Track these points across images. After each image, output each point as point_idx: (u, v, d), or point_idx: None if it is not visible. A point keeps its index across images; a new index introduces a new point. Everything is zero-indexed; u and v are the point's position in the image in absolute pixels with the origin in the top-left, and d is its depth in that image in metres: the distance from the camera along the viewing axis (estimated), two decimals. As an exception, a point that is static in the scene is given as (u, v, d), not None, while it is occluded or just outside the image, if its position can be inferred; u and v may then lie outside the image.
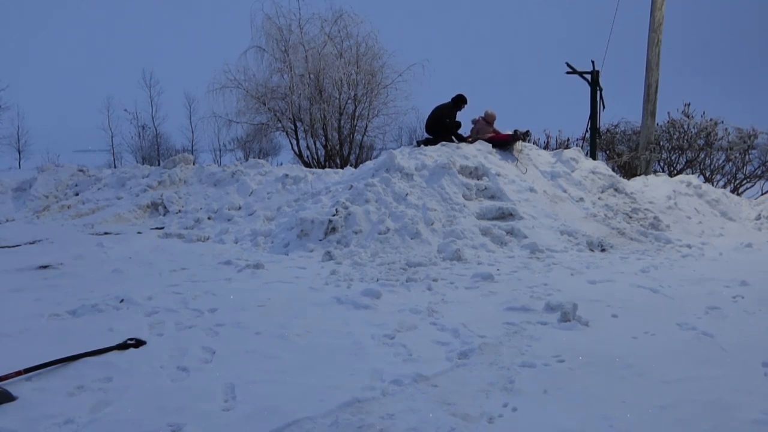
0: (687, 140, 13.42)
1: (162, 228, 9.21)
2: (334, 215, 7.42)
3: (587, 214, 8.28)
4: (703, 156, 13.36)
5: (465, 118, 10.47)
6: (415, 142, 11.45)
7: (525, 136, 9.77)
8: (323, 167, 15.73)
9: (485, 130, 10.03)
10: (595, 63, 13.46)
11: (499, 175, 8.66)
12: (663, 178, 10.45)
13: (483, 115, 10.18)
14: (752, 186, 13.24)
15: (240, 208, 9.64)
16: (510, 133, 9.75)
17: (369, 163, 9.78)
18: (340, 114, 17.09)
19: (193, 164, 11.97)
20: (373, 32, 16.90)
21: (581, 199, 8.66)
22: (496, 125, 10.20)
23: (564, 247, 7.02)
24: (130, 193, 10.88)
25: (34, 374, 3.13)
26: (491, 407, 2.78)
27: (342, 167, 14.06)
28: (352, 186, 8.30)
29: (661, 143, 13.73)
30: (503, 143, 9.62)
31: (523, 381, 3.07)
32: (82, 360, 3.34)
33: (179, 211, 10.11)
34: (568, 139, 16.11)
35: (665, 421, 2.62)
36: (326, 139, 17.19)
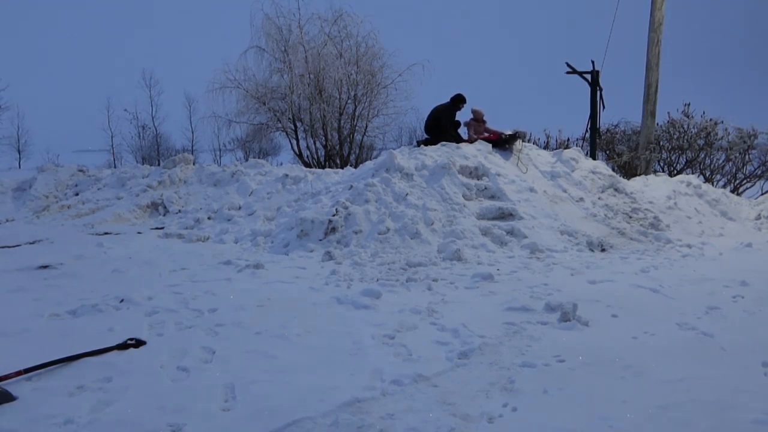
0: (687, 140, 13.41)
1: (162, 228, 9.21)
2: (334, 215, 7.42)
3: (587, 214, 8.28)
4: (703, 156, 13.36)
5: (462, 119, 10.49)
6: (415, 142, 11.45)
7: (516, 137, 9.68)
8: (323, 167, 15.73)
9: (480, 129, 10.08)
10: (595, 63, 13.48)
11: (499, 175, 8.66)
12: (663, 178, 10.45)
13: (472, 116, 10.27)
14: (752, 186, 13.24)
15: (240, 208, 9.64)
16: (510, 132, 9.74)
17: (369, 163, 9.78)
18: (340, 114, 17.09)
19: (193, 164, 11.97)
20: (373, 32, 16.94)
21: (581, 199, 8.66)
22: (489, 122, 10.24)
23: (564, 247, 7.02)
24: (130, 193, 10.88)
25: (34, 374, 3.13)
26: (491, 407, 2.78)
27: (342, 167, 14.06)
28: (352, 186, 8.30)
29: (661, 143, 13.73)
30: (498, 143, 9.63)
31: (523, 381, 3.07)
32: (82, 360, 3.34)
33: (179, 211, 10.11)
34: (568, 139, 16.12)
35: (665, 421, 2.62)
36: (326, 139, 17.19)
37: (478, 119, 10.19)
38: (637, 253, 6.91)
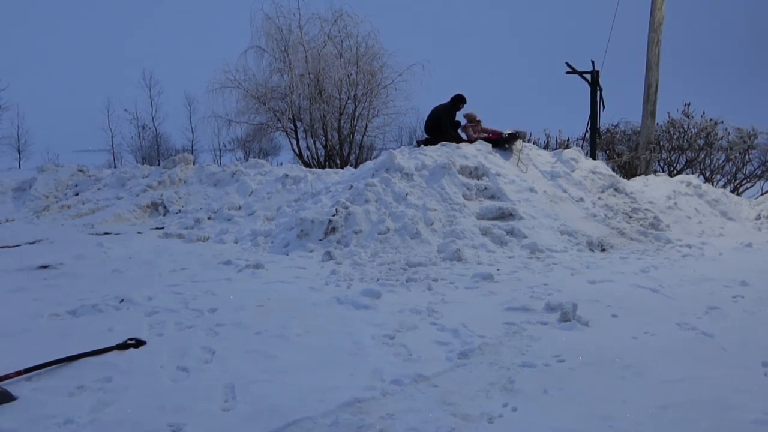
0: (687, 140, 13.42)
1: (162, 228, 9.21)
2: (334, 215, 7.42)
3: (587, 214, 8.28)
4: (703, 156, 13.36)
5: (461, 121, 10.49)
6: (415, 142, 11.45)
7: (516, 137, 9.72)
8: (323, 167, 15.74)
9: (477, 129, 10.11)
10: (595, 63, 13.49)
11: (499, 175, 8.66)
12: (663, 178, 10.45)
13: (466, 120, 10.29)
14: (752, 186, 13.24)
15: (240, 208, 9.64)
16: (510, 132, 9.76)
17: (369, 163, 9.78)
18: (340, 114, 17.10)
19: (193, 164, 11.97)
20: (373, 32, 16.95)
21: (581, 199, 8.66)
22: (487, 122, 10.29)
23: (564, 247, 7.02)
24: (130, 193, 10.88)
25: (34, 374, 3.13)
26: (491, 407, 2.78)
27: (342, 167, 14.07)
28: (352, 186, 8.30)
29: (661, 143, 13.73)
30: (498, 143, 9.64)
31: (523, 381, 3.07)
32: (82, 360, 3.34)
33: (179, 211, 10.11)
34: (568, 139, 16.12)
35: (665, 421, 2.62)
36: (326, 139, 17.20)
37: (471, 120, 10.22)
38: (637, 253, 6.91)
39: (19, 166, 36.95)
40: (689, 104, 13.90)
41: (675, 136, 13.68)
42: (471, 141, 9.84)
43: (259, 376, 3.15)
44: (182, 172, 11.32)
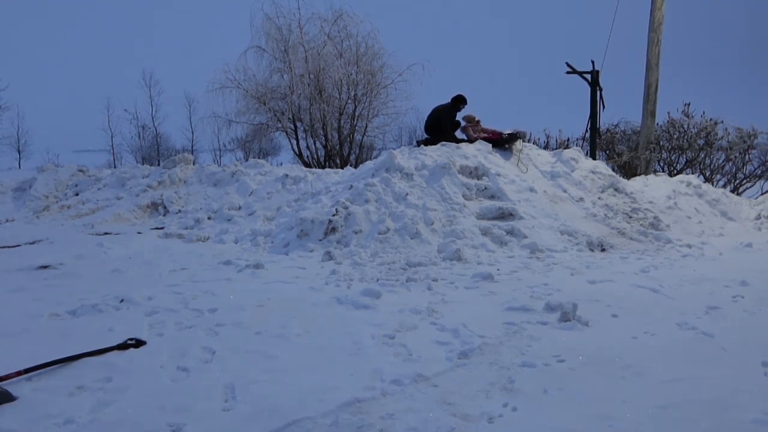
0: (687, 140, 13.42)
1: (162, 228, 9.21)
2: (334, 215, 7.42)
3: (587, 214, 8.28)
4: (703, 156, 13.37)
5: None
6: (415, 142, 11.45)
7: (516, 137, 9.73)
8: (323, 167, 15.73)
9: (477, 129, 10.12)
10: (595, 63, 13.48)
11: (499, 175, 8.66)
12: (663, 178, 10.45)
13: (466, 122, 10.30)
14: (752, 186, 13.24)
15: (240, 208, 9.64)
16: (510, 132, 9.77)
17: (369, 163, 9.78)
18: (340, 114, 17.09)
19: (193, 164, 11.97)
20: (373, 32, 16.93)
21: (581, 199, 8.66)
22: (487, 122, 10.30)
23: (564, 247, 7.02)
24: (130, 193, 10.88)
25: (34, 374, 3.13)
26: (491, 407, 2.78)
27: (342, 167, 14.06)
28: (352, 186, 8.30)
29: (661, 143, 13.73)
30: (497, 142, 9.65)
31: (523, 381, 3.07)
32: (82, 360, 3.34)
33: (179, 211, 10.11)
34: (568, 139, 16.11)
35: (665, 421, 2.62)
36: (326, 139, 17.19)
37: (470, 121, 10.23)
38: (637, 253, 6.90)
39: (19, 166, 36.97)
40: (689, 104, 13.92)
41: (675, 136, 13.68)
42: (471, 141, 9.85)
43: (259, 376, 3.15)
44: (182, 172, 11.32)
